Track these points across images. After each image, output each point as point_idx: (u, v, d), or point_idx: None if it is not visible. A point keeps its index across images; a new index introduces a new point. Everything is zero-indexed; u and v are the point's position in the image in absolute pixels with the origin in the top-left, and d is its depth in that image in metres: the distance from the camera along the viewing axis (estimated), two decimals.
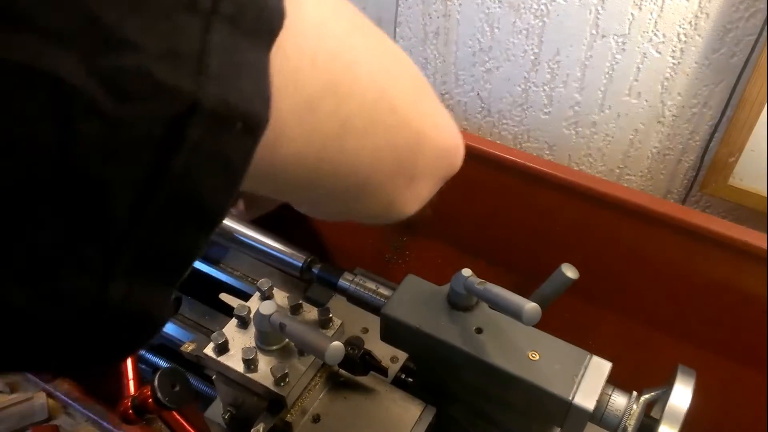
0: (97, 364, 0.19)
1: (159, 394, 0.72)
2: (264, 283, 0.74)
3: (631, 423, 0.61)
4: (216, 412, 0.76)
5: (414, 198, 0.30)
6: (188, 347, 0.77)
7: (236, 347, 0.69)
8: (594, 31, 0.91)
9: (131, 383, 0.83)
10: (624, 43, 0.89)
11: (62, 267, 0.16)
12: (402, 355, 0.83)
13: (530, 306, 0.56)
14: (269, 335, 0.68)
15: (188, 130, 0.16)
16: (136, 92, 0.15)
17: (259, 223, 0.87)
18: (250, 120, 0.17)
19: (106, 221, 0.16)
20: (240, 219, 0.86)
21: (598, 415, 0.61)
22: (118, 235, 0.16)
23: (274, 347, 0.69)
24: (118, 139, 0.15)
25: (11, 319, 0.16)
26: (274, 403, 0.69)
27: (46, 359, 0.18)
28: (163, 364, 0.96)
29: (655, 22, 0.85)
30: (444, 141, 0.30)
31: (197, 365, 0.93)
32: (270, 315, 0.63)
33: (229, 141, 0.17)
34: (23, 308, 0.16)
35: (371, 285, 0.81)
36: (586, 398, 0.60)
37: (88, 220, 0.16)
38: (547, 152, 1.08)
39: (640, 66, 0.90)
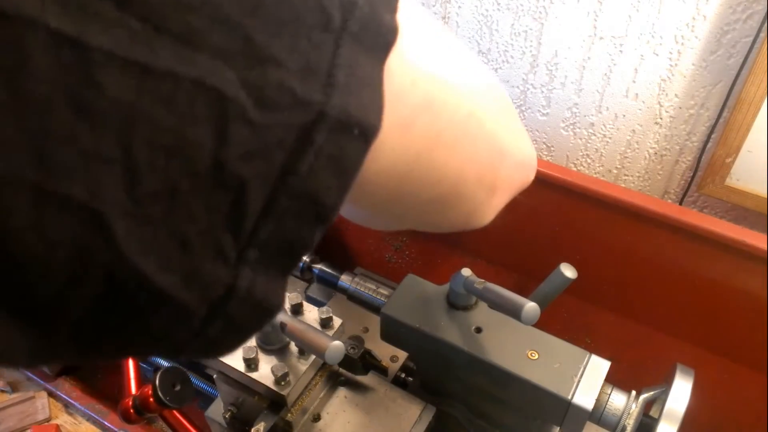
0: (216, 351, 0.21)
1: (160, 393, 0.73)
2: None
3: (630, 422, 0.61)
4: (217, 411, 0.76)
5: (493, 208, 0.31)
6: None
7: None
8: (592, 33, 0.91)
9: (132, 382, 0.83)
10: (622, 45, 0.90)
11: (203, 254, 0.18)
12: (402, 355, 0.83)
13: (529, 305, 0.56)
14: (270, 335, 0.69)
15: (315, 135, 0.18)
16: (278, 103, 0.17)
17: None
18: (365, 127, 0.19)
19: (242, 214, 0.18)
20: None
21: (597, 414, 0.62)
22: (250, 227, 0.18)
23: (275, 347, 0.70)
24: (260, 143, 0.17)
25: (157, 300, 0.17)
26: (274, 403, 0.69)
27: (180, 342, 0.19)
28: (164, 363, 0.96)
29: (653, 24, 0.86)
30: (523, 155, 0.32)
31: (198, 364, 0.93)
32: None
33: (347, 145, 0.19)
34: (169, 292, 0.17)
35: (371, 285, 0.82)
36: (585, 397, 0.61)
37: (228, 212, 0.18)
38: (546, 153, 1.08)
39: (638, 68, 0.91)
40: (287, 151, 0.18)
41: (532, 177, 0.34)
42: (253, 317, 0.20)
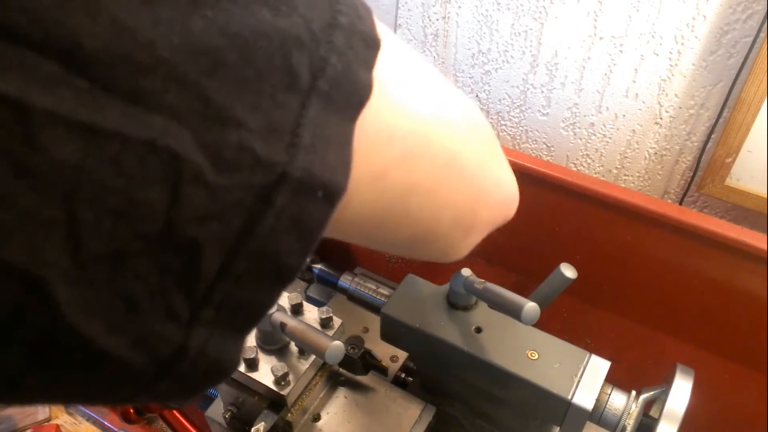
0: (164, 401, 0.20)
1: None
2: None
3: (630, 422, 0.61)
4: (217, 411, 0.76)
5: (468, 246, 0.31)
6: None
7: None
8: (592, 33, 0.91)
9: None
10: (622, 45, 0.90)
11: (153, 315, 0.17)
12: (402, 355, 0.83)
13: (529, 305, 0.56)
14: (270, 334, 0.69)
15: (276, 197, 0.17)
16: (236, 164, 0.17)
17: None
18: (330, 189, 0.19)
19: (196, 275, 0.17)
20: None
21: (597, 414, 0.62)
22: (204, 288, 0.18)
23: (275, 346, 0.70)
24: (216, 204, 0.17)
25: (101, 361, 0.17)
26: (274, 403, 0.69)
27: (123, 396, 0.19)
28: None
29: (653, 24, 0.86)
30: (503, 194, 0.31)
31: None
32: (271, 314, 0.64)
33: (310, 207, 0.18)
34: (114, 352, 0.17)
35: (371, 285, 0.82)
36: (585, 397, 0.61)
37: (181, 273, 0.17)
38: (546, 153, 1.08)
39: (638, 68, 0.91)
40: (246, 212, 0.17)
41: (512, 214, 0.34)
42: (205, 376, 0.20)
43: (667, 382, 0.62)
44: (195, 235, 0.17)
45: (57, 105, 0.14)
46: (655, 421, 0.59)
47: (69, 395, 0.19)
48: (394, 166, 0.23)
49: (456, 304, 0.68)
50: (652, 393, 0.63)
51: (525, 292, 0.61)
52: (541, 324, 0.61)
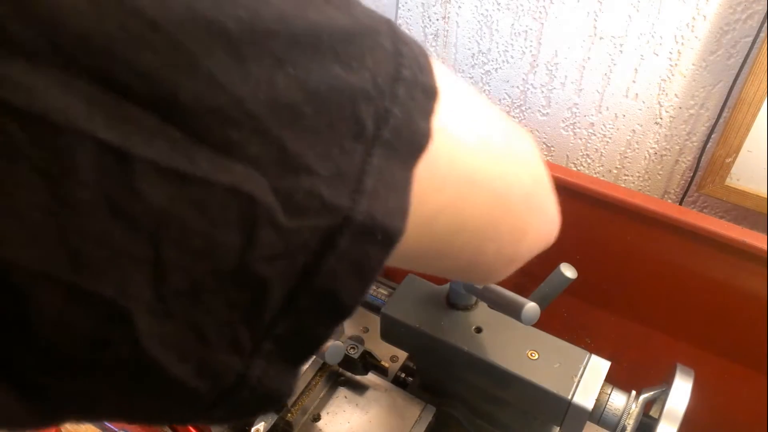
0: (217, 423, 0.22)
1: None
2: None
3: (630, 422, 0.61)
4: None
5: (509, 272, 0.32)
6: None
7: None
8: (592, 33, 0.91)
9: None
10: (622, 45, 0.90)
11: (219, 346, 0.18)
12: (402, 355, 0.83)
13: (529, 306, 0.56)
14: None
15: (339, 239, 0.19)
16: (306, 208, 0.18)
17: None
18: (389, 232, 0.20)
19: (261, 310, 0.19)
20: None
21: (597, 414, 0.62)
22: (267, 323, 0.19)
23: None
24: (285, 245, 0.18)
25: (170, 387, 0.18)
26: None
27: (182, 418, 0.21)
28: None
29: (653, 24, 0.86)
30: (547, 228, 0.32)
31: None
32: None
33: (369, 250, 0.20)
34: (182, 380, 0.18)
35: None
36: (585, 397, 0.61)
37: (247, 308, 0.18)
38: (546, 153, 1.08)
39: (638, 68, 0.91)
40: (311, 253, 0.18)
41: (553, 240, 0.35)
42: (260, 404, 0.21)
43: (667, 382, 0.62)
44: (264, 274, 0.18)
45: (153, 153, 0.15)
46: (656, 421, 0.59)
47: (135, 416, 0.20)
48: (444, 209, 0.24)
49: (456, 304, 0.68)
50: (652, 393, 0.63)
51: (525, 292, 0.61)
52: (541, 324, 0.61)
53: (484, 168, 0.25)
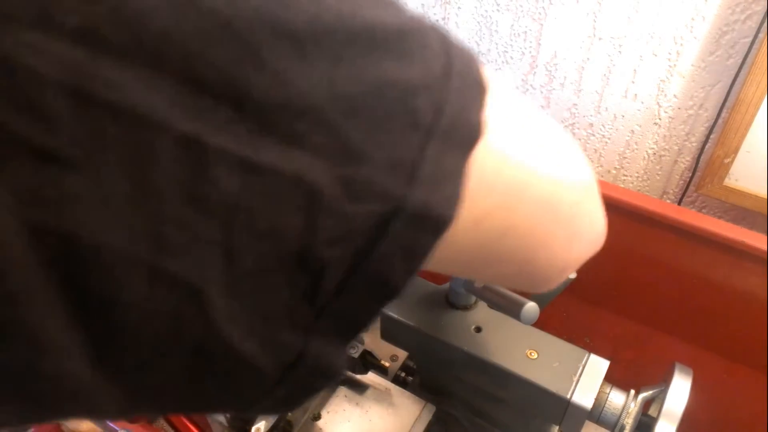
0: (280, 409, 0.23)
1: None
2: None
3: (629, 421, 0.61)
4: None
5: (560, 280, 0.32)
6: None
7: None
8: (591, 34, 0.92)
9: None
10: (621, 46, 0.90)
11: (282, 324, 0.20)
12: (402, 354, 0.83)
13: (529, 305, 0.56)
14: None
15: (392, 225, 0.19)
16: (363, 194, 0.19)
17: None
18: (439, 220, 0.20)
19: (319, 290, 0.20)
20: None
21: (596, 414, 0.62)
22: (323, 302, 0.20)
23: None
24: (343, 230, 0.19)
25: (237, 366, 0.19)
26: None
27: (249, 400, 0.22)
28: None
29: (652, 25, 0.86)
30: (596, 234, 0.32)
31: None
32: None
33: (419, 236, 0.20)
34: (248, 357, 0.19)
35: None
36: (584, 396, 0.61)
37: (307, 289, 0.19)
38: None
39: (637, 68, 0.91)
40: (366, 237, 0.19)
41: (600, 247, 0.35)
42: (317, 381, 0.22)
43: (666, 381, 0.62)
44: (323, 256, 0.19)
45: (226, 143, 0.16)
46: (654, 420, 0.59)
47: (205, 403, 0.21)
48: (493, 210, 0.24)
49: (456, 303, 0.68)
50: (650, 392, 0.63)
51: (524, 292, 0.61)
52: (541, 323, 0.61)
53: (532, 171, 0.25)
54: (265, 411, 0.23)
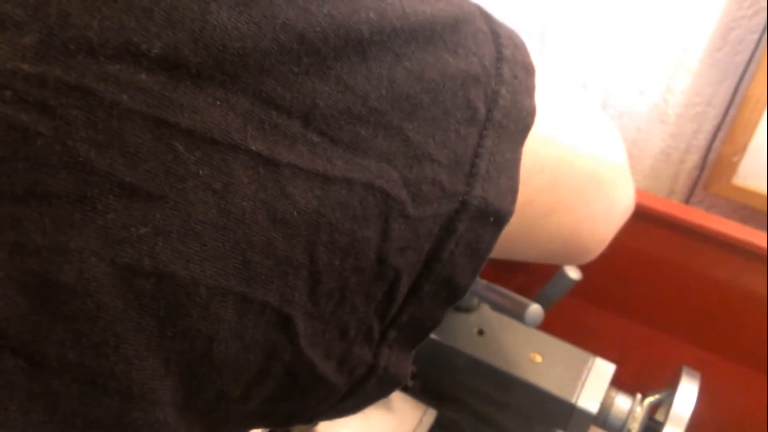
0: (341, 416, 0.23)
1: None
2: None
3: (635, 426, 0.61)
4: None
5: (600, 251, 0.33)
6: None
7: None
8: (596, 31, 0.91)
9: None
10: (627, 42, 0.89)
11: (356, 340, 0.19)
12: None
13: (533, 307, 0.55)
14: None
15: (457, 224, 0.19)
16: (429, 197, 0.18)
17: None
18: (501, 214, 0.20)
19: (392, 300, 0.19)
20: None
21: (602, 418, 0.61)
22: (394, 312, 0.20)
23: None
24: (413, 235, 0.19)
25: (317, 385, 0.19)
26: None
27: (315, 415, 0.22)
28: None
29: (658, 20, 0.85)
30: (630, 202, 0.33)
31: None
32: None
33: (483, 232, 0.20)
34: (326, 377, 0.19)
35: None
36: (589, 401, 0.60)
37: (381, 301, 0.19)
38: None
39: (643, 65, 0.90)
40: (433, 240, 0.19)
41: (631, 213, 0.35)
42: (384, 390, 0.22)
43: (673, 385, 0.61)
44: (397, 265, 0.19)
45: (298, 159, 0.16)
46: (661, 425, 0.59)
47: (275, 421, 0.21)
48: (541, 192, 0.24)
49: (458, 305, 0.67)
50: (657, 396, 0.62)
51: (528, 294, 0.60)
52: (545, 326, 0.60)
53: (577, 150, 0.25)
54: (326, 419, 0.23)
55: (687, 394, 0.60)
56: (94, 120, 0.13)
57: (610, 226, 0.31)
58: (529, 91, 0.21)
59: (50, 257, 0.13)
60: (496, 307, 0.62)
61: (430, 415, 0.70)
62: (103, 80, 0.13)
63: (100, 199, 0.13)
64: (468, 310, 0.68)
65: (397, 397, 0.72)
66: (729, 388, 0.83)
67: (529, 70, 0.21)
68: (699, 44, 0.84)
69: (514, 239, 0.24)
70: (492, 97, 0.19)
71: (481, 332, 0.66)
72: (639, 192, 0.81)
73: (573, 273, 0.70)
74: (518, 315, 0.56)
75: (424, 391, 0.78)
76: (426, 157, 0.18)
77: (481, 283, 0.62)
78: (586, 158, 0.26)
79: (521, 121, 0.20)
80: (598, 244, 0.31)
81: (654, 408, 0.63)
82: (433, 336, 0.65)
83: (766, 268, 0.74)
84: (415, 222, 0.18)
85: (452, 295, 0.21)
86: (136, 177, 0.14)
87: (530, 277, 0.93)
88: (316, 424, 0.70)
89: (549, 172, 0.24)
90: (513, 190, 0.21)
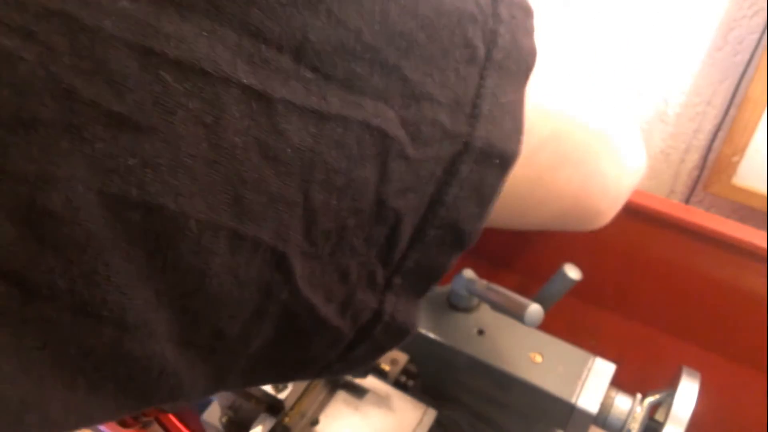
0: (355, 369, 0.23)
1: None
2: None
3: (635, 426, 0.60)
4: (213, 415, 0.75)
5: (612, 213, 0.32)
6: None
7: None
8: (597, 30, 0.90)
9: None
10: (628, 42, 0.89)
11: (358, 284, 0.19)
12: (402, 357, 0.82)
13: (533, 307, 0.55)
14: None
15: (460, 166, 0.19)
16: (430, 137, 0.18)
17: None
18: (505, 156, 0.20)
19: (394, 245, 0.19)
20: None
21: (602, 418, 0.61)
22: (398, 257, 0.19)
23: None
24: (414, 177, 0.18)
25: (319, 328, 0.19)
26: (272, 406, 0.69)
27: (326, 364, 0.21)
28: None
29: (659, 20, 0.85)
30: (642, 162, 0.32)
31: None
32: None
33: (487, 174, 0.20)
34: (329, 319, 0.19)
35: None
36: (589, 401, 0.60)
37: (383, 245, 0.19)
38: None
39: (643, 65, 0.90)
40: (436, 183, 0.19)
41: (642, 176, 0.35)
42: (393, 338, 0.22)
43: (673, 385, 0.61)
44: (397, 208, 0.18)
45: (292, 95, 0.16)
46: (661, 425, 0.59)
47: (285, 372, 0.21)
48: (548, 140, 0.23)
49: (457, 305, 0.67)
50: (657, 396, 0.62)
51: (528, 294, 0.60)
52: (545, 326, 0.60)
53: (581, 101, 0.25)
54: (340, 372, 0.22)
55: (687, 394, 0.60)
56: (77, 46, 0.13)
57: (621, 187, 0.30)
58: (528, 31, 0.21)
59: (38, 184, 0.13)
60: (496, 307, 0.62)
61: (430, 415, 0.70)
62: (85, 6, 0.13)
63: (87, 128, 0.13)
64: (468, 310, 0.67)
65: (397, 397, 0.72)
66: (729, 388, 0.83)
67: (527, 11, 0.21)
68: (699, 44, 0.84)
69: (523, 194, 0.24)
70: (490, 36, 0.19)
71: (481, 332, 0.66)
72: (639, 192, 0.80)
73: (573, 273, 0.70)
74: (518, 315, 0.56)
75: (424, 391, 0.77)
76: (425, 96, 0.18)
77: (481, 283, 0.62)
78: (593, 112, 0.26)
79: (522, 61, 0.20)
80: (611, 205, 0.30)
81: (654, 408, 0.63)
82: (433, 336, 0.65)
83: (766, 268, 0.74)
84: (416, 163, 0.18)
85: (458, 241, 0.20)
86: (124, 107, 0.14)
87: (530, 277, 0.92)
88: (318, 420, 0.70)
89: (554, 121, 0.23)
90: (518, 131, 0.20)
